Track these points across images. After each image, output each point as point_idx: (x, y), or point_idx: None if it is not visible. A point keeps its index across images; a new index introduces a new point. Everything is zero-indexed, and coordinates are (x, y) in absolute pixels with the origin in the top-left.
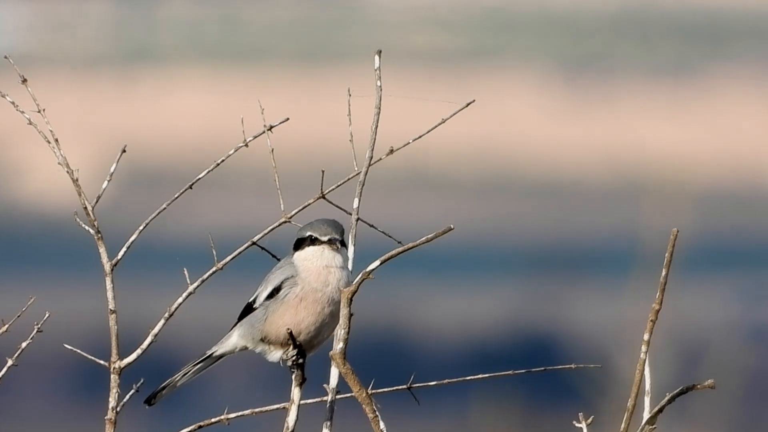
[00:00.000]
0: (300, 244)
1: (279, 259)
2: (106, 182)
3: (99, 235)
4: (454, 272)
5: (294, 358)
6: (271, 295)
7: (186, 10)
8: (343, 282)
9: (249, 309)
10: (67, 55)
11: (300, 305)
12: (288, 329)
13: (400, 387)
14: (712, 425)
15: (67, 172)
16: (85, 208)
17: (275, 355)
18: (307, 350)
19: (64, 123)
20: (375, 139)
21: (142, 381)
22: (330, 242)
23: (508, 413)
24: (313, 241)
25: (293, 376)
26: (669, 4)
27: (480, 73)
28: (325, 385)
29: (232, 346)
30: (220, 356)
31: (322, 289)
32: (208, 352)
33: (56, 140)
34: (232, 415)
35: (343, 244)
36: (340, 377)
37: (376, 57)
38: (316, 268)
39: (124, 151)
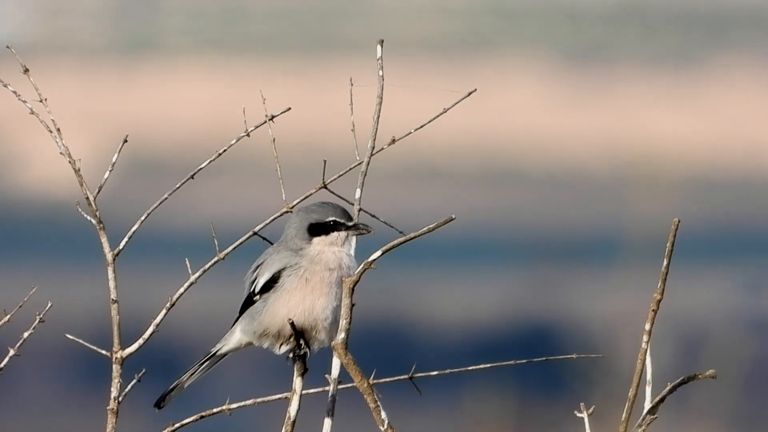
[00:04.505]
0: (319, 228)
1: None
2: (107, 172)
3: (101, 225)
4: (455, 262)
5: (297, 350)
6: (268, 286)
7: (188, 0)
8: (353, 266)
9: (249, 301)
10: (69, 44)
11: (306, 287)
12: (290, 320)
13: (402, 377)
14: (714, 415)
15: (69, 161)
16: (87, 197)
17: (281, 348)
18: (326, 341)
19: (66, 113)
20: (377, 128)
21: (143, 371)
22: (355, 227)
23: (510, 403)
24: (336, 226)
25: (295, 367)
26: None
27: (482, 62)
28: (326, 376)
29: (236, 342)
30: (225, 353)
31: (337, 268)
32: (213, 350)
33: (58, 130)
34: (234, 406)
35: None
36: (342, 367)
37: (378, 47)
38: (335, 252)
39: (125, 140)
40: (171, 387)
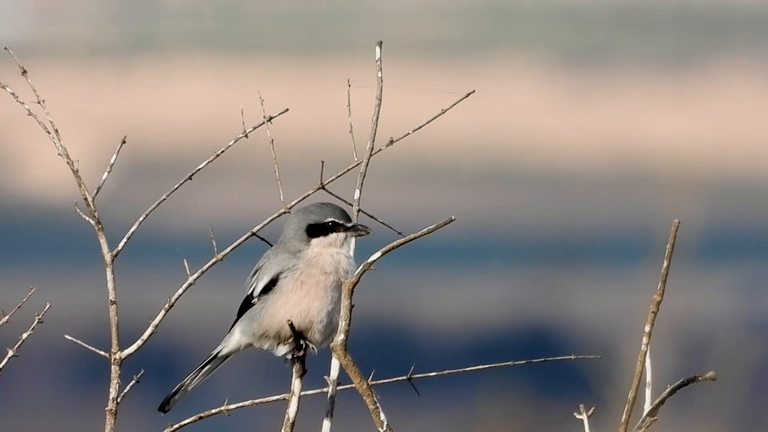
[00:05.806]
0: (317, 230)
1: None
2: (106, 173)
3: (99, 226)
4: (455, 263)
5: (295, 350)
6: (267, 289)
7: (186, 0)
8: (351, 269)
9: (247, 303)
10: (67, 45)
11: (302, 290)
12: (289, 321)
13: (401, 378)
14: (714, 417)
15: (68, 162)
16: (86, 198)
17: (280, 349)
18: (322, 341)
19: (65, 114)
20: (376, 129)
21: (142, 372)
22: (354, 228)
23: (510, 404)
24: (335, 227)
25: (294, 368)
26: None
27: (481, 63)
28: (325, 377)
29: (236, 344)
30: (226, 355)
31: (333, 272)
32: (214, 353)
33: (56, 131)
34: (233, 406)
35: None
36: (341, 369)
37: (377, 48)
38: (333, 255)
39: (124, 141)
40: (174, 390)
